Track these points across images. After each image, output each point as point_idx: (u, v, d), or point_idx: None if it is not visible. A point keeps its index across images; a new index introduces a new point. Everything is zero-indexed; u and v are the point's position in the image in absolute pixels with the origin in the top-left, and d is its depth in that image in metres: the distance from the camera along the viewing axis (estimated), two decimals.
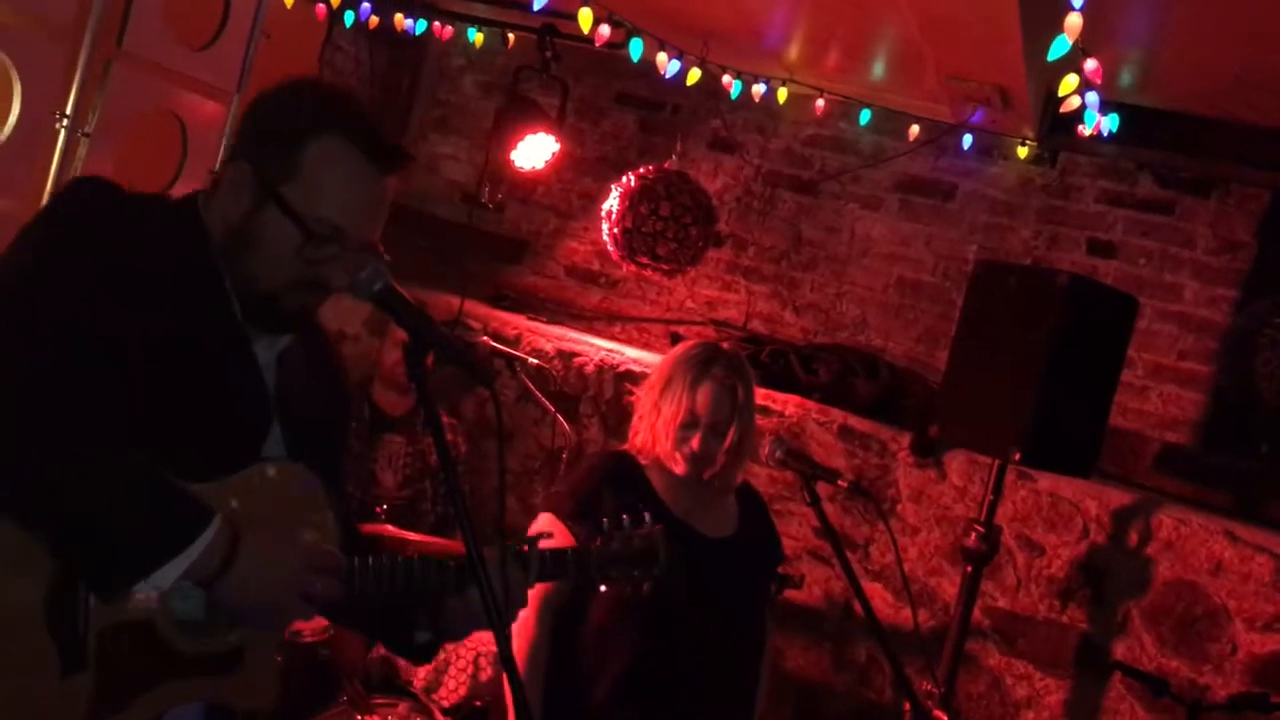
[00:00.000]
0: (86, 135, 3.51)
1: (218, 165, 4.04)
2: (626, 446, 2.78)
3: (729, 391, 2.67)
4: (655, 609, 2.55)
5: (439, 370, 1.73)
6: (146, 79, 3.75)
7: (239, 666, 1.71)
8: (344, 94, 1.77)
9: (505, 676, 2.22)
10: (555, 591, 2.56)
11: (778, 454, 2.75)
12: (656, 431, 2.69)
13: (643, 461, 2.71)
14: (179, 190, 3.84)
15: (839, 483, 2.66)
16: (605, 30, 3.74)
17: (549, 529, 2.31)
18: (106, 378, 1.52)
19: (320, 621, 3.45)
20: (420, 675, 3.60)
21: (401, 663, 3.66)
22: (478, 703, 3.53)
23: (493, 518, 4.43)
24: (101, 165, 3.57)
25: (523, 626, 2.53)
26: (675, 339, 4.91)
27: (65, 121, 3.45)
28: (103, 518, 1.47)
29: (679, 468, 2.66)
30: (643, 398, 2.77)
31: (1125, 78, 3.92)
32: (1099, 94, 3.19)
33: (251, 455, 1.71)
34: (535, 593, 2.50)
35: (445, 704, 3.56)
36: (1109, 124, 3.67)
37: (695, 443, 2.62)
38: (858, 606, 4.15)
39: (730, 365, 2.72)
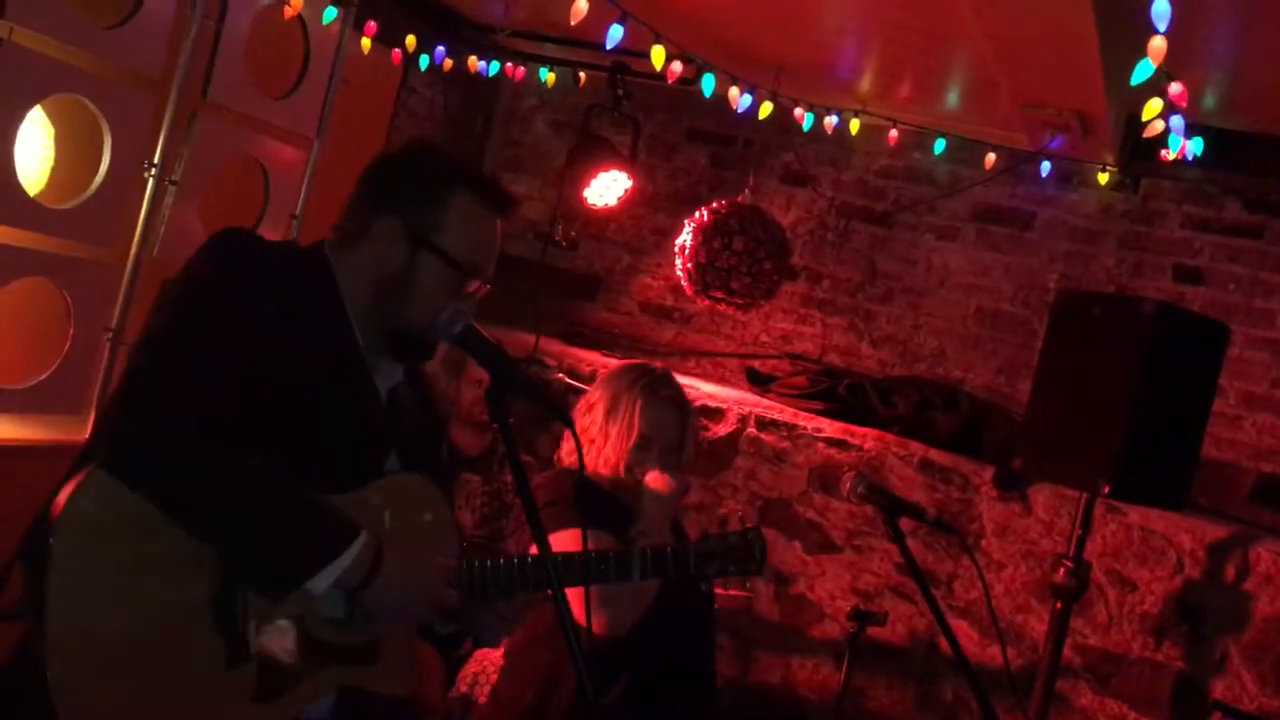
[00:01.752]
0: (174, 183, 3.60)
1: (298, 209, 4.12)
2: (568, 467, 2.79)
3: (678, 409, 2.75)
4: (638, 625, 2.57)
5: (516, 408, 1.84)
6: (230, 127, 3.83)
7: (378, 657, 1.93)
8: (459, 158, 2.11)
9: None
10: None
11: (860, 489, 2.72)
12: (606, 455, 2.73)
13: (592, 478, 2.74)
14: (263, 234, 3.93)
15: (925, 519, 2.62)
16: (678, 67, 3.74)
17: (573, 544, 2.33)
18: (257, 410, 1.75)
19: None
20: None
21: (482, 701, 3.65)
22: None
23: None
24: (188, 213, 3.66)
25: None
26: (751, 373, 4.88)
27: (153, 170, 3.54)
28: (267, 533, 1.73)
29: (608, 472, 2.72)
30: (584, 420, 2.78)
31: (1209, 100, 3.83)
32: (1183, 117, 3.11)
33: (375, 474, 1.95)
34: None
35: None
36: (1193, 148, 3.57)
37: (651, 462, 2.68)
38: (942, 644, 4.07)
39: (672, 384, 2.80)
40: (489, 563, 2.00)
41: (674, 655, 2.67)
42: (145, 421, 1.67)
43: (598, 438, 2.74)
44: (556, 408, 1.92)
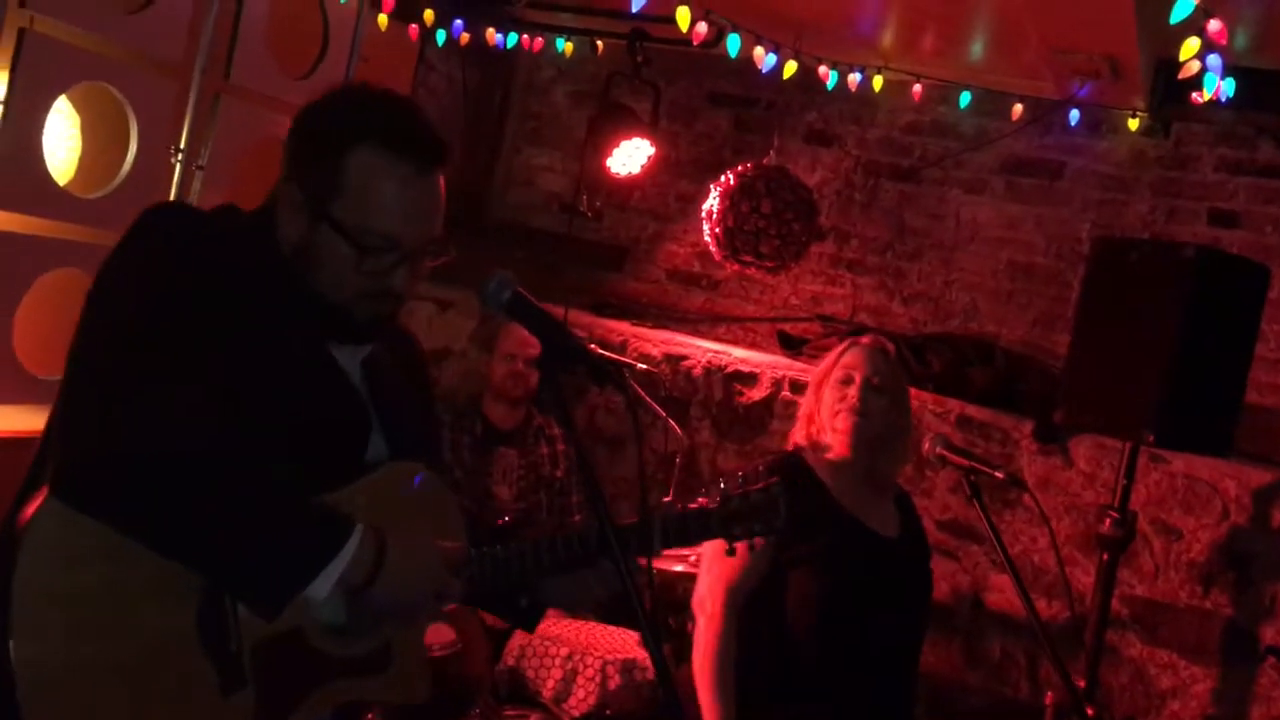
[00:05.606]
0: (200, 168, 3.59)
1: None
2: (791, 447, 2.81)
3: (880, 352, 2.73)
4: (838, 605, 2.55)
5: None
6: (254, 109, 3.82)
7: (389, 664, 1.74)
8: (377, 97, 1.72)
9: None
10: (742, 578, 2.57)
11: (938, 449, 2.72)
12: (816, 416, 2.73)
13: (810, 461, 2.72)
14: None
15: (996, 474, 2.62)
16: (703, 28, 3.71)
17: None
18: (226, 405, 1.53)
19: (448, 635, 3.48)
20: (549, 685, 3.60)
21: (529, 674, 3.66)
22: (608, 711, 3.52)
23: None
24: (216, 196, 3.65)
25: (710, 617, 2.57)
26: (783, 337, 4.86)
27: (180, 156, 3.53)
28: (254, 537, 1.50)
29: (841, 442, 2.66)
30: (803, 402, 2.83)
31: (1240, 39, 3.76)
32: (1220, 56, 3.06)
33: (355, 462, 1.72)
34: (720, 580, 2.57)
35: (575, 713, 3.56)
36: (1225, 88, 3.52)
37: (853, 394, 2.66)
38: (988, 600, 4.06)
39: (875, 337, 2.82)
40: (500, 549, 1.81)
41: (890, 616, 2.67)
42: (90, 451, 1.46)
43: (812, 406, 2.75)
44: (609, 373, 1.75)
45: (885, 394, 2.68)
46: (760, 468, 2.74)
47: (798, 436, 2.79)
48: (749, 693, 2.57)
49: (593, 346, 4.47)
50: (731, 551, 1.99)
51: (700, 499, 2.00)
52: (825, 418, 2.70)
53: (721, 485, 2.01)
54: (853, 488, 2.70)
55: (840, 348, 2.78)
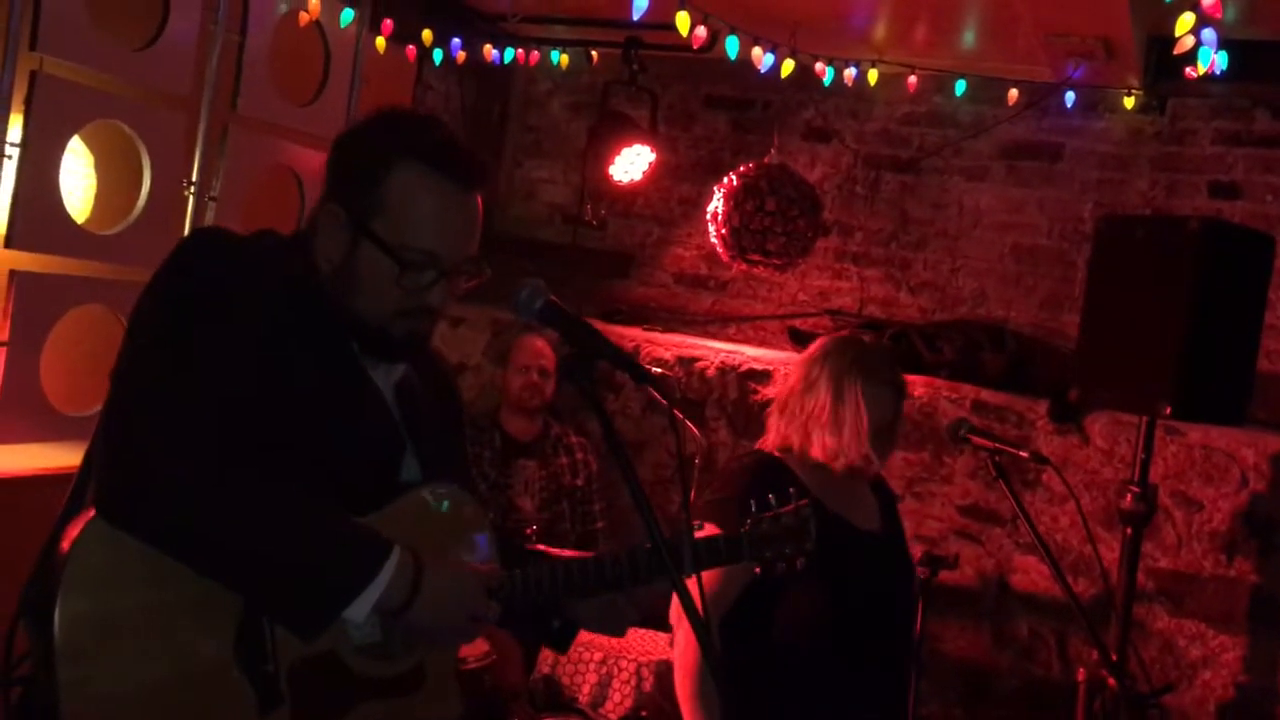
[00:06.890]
0: (213, 199, 3.64)
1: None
2: (761, 446, 2.69)
3: (895, 392, 2.61)
4: (840, 612, 2.53)
5: (567, 387, 1.76)
6: (262, 138, 3.87)
7: (422, 684, 1.76)
8: (417, 118, 1.78)
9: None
10: (723, 588, 2.49)
11: (961, 432, 2.72)
12: (800, 418, 2.60)
13: (789, 463, 2.61)
14: None
15: (1020, 453, 2.62)
16: (701, 32, 3.74)
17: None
18: (262, 427, 1.57)
19: (482, 647, 3.51)
20: (585, 690, 3.64)
21: (565, 680, 3.70)
22: (643, 713, 3.55)
23: (630, 533, 4.45)
24: (229, 225, 3.68)
25: (688, 638, 2.49)
26: (793, 333, 4.89)
27: (193, 188, 3.58)
28: (292, 560, 1.54)
29: (842, 464, 2.57)
30: (789, 398, 2.66)
31: (1230, 12, 3.79)
32: (1215, 30, 3.10)
33: (390, 483, 1.75)
34: (700, 590, 2.51)
35: (613, 717, 3.60)
36: (1219, 61, 3.56)
37: (882, 447, 2.57)
38: (1014, 582, 4.09)
39: (891, 363, 2.66)
40: (532, 570, 1.80)
41: (885, 612, 2.63)
42: (134, 470, 1.49)
43: (828, 423, 2.57)
44: (648, 376, 1.78)
45: (890, 429, 2.60)
46: (739, 469, 2.62)
47: (775, 440, 2.64)
48: (747, 704, 2.54)
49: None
50: (762, 573, 1.99)
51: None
52: (812, 427, 2.58)
53: (751, 508, 2.01)
54: (835, 486, 2.61)
55: (825, 348, 2.64)
